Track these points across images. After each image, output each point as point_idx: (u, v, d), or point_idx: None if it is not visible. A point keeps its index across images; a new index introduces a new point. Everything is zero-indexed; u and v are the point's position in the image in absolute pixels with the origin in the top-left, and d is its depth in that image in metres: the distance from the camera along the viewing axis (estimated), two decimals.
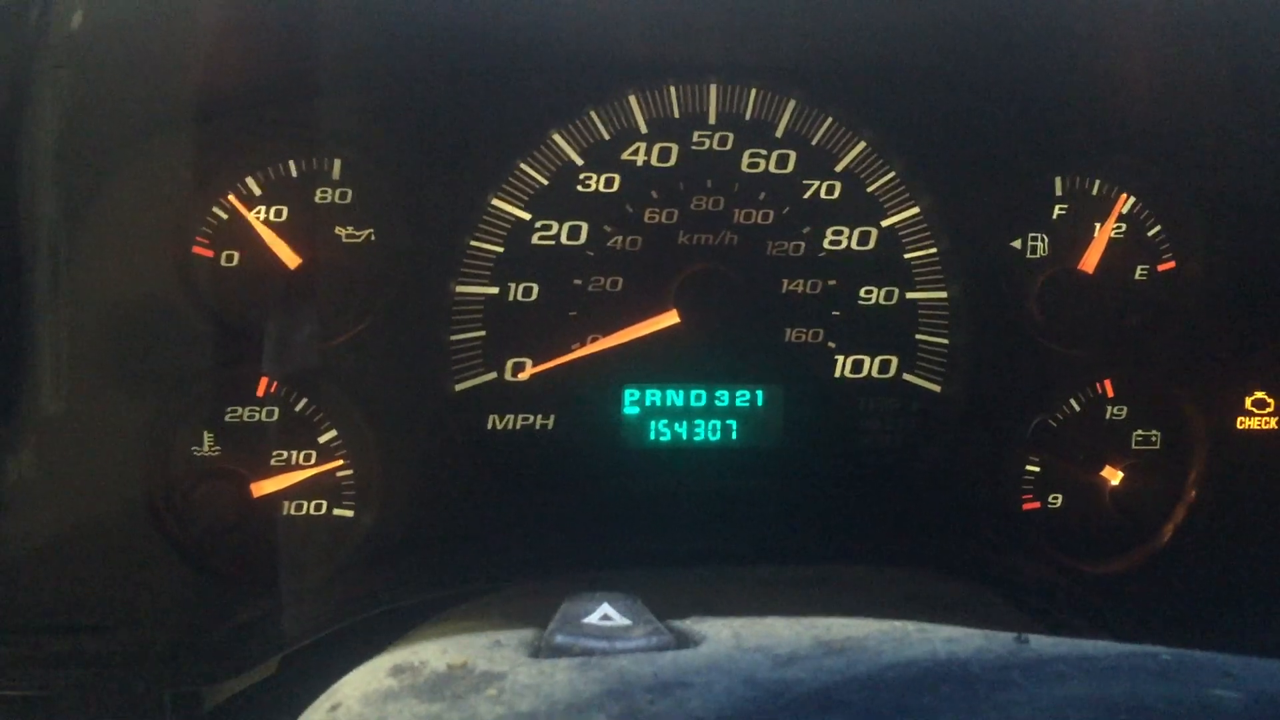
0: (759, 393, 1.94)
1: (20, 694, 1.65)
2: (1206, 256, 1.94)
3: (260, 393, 1.83)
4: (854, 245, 1.92)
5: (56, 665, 1.66)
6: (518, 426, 1.91)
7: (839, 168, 1.91)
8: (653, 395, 1.92)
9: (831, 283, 1.92)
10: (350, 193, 1.84)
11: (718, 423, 1.94)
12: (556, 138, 1.86)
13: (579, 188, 1.87)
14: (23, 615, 1.70)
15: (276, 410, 1.83)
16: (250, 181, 1.81)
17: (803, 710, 0.84)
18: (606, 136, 1.87)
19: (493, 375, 1.89)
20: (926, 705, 0.84)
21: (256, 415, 1.83)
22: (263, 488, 1.81)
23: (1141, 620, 1.88)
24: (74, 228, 1.71)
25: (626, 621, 1.07)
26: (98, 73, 1.62)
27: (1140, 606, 1.91)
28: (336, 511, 1.85)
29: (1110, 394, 1.97)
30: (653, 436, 1.93)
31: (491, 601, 1.46)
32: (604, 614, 1.08)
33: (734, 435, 1.94)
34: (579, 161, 1.87)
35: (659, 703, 0.86)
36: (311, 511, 1.85)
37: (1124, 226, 1.96)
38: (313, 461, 1.84)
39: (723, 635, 1.03)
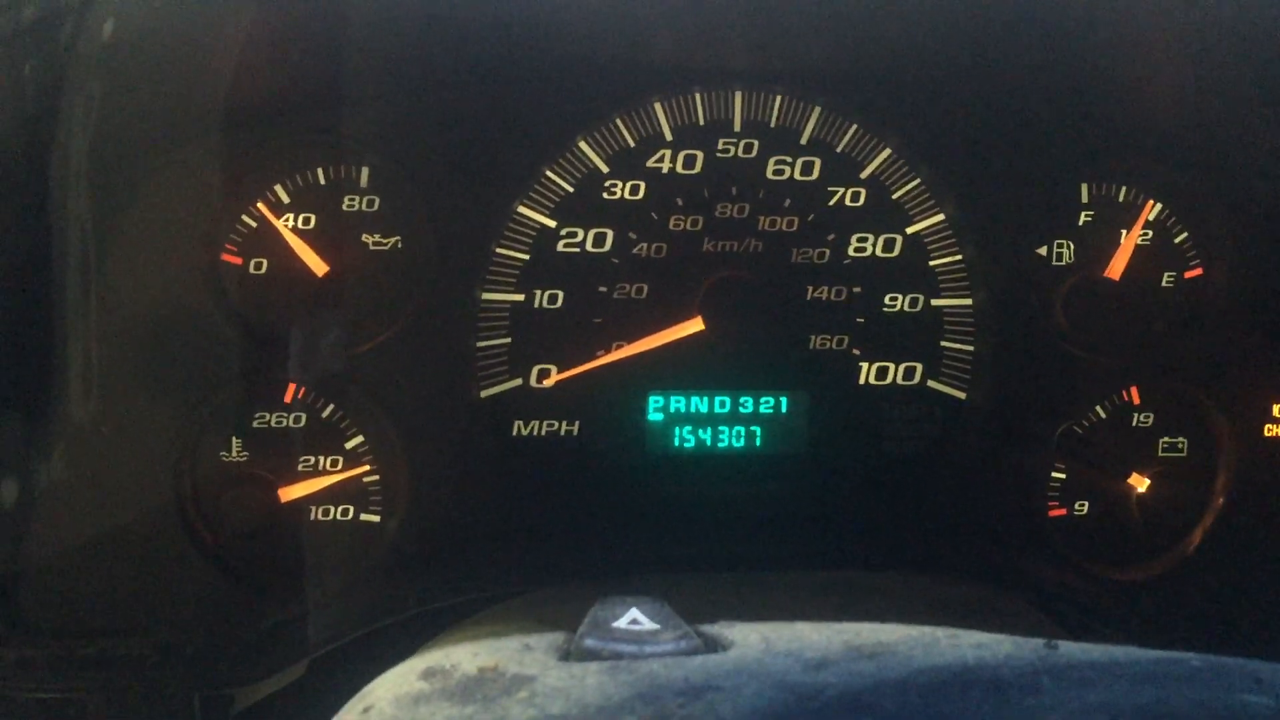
0: (783, 399, 1.94)
1: (51, 696, 1.66)
2: (1233, 263, 1.93)
3: (288, 399, 1.84)
4: (879, 252, 1.92)
5: (87, 668, 1.67)
6: (543, 433, 1.92)
7: (864, 174, 1.91)
8: (677, 402, 1.93)
9: (856, 290, 1.92)
10: (378, 200, 1.85)
11: (742, 429, 1.95)
12: (583, 145, 1.87)
13: (605, 195, 1.88)
14: (54, 618, 1.71)
15: (304, 416, 1.85)
16: (279, 189, 1.83)
17: (834, 714, 0.84)
18: (632, 144, 1.88)
19: (518, 382, 1.90)
20: (957, 710, 0.84)
21: (284, 421, 1.85)
22: (290, 493, 1.82)
23: (1168, 627, 1.87)
24: (105, 235, 1.73)
25: (655, 626, 1.07)
26: (128, 82, 1.64)
27: (1167, 613, 1.90)
28: (363, 516, 1.86)
29: (1136, 401, 1.96)
30: (677, 443, 1.94)
31: (520, 605, 1.47)
32: (633, 618, 1.08)
33: (758, 442, 1.95)
34: (605, 169, 1.88)
35: (690, 706, 0.86)
36: (338, 516, 1.86)
37: (1150, 233, 1.95)
38: (340, 467, 1.86)
39: (752, 640, 1.03)
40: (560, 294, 1.89)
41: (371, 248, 1.85)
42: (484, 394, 1.89)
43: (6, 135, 1.56)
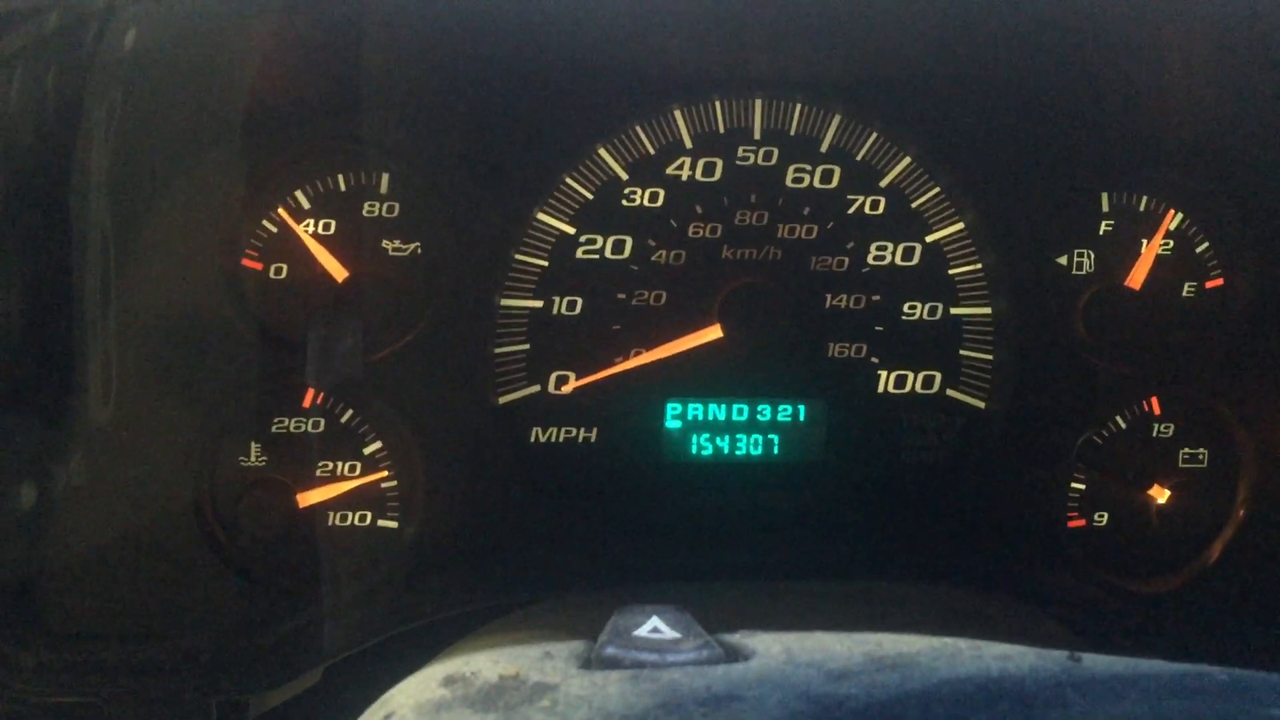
0: (801, 408, 1.93)
1: (69, 701, 1.67)
2: (1255, 273, 1.92)
3: (306, 404, 1.84)
4: (898, 261, 1.92)
5: (104, 673, 1.67)
6: (560, 439, 1.92)
7: (884, 183, 1.91)
8: (695, 409, 1.92)
9: (875, 298, 1.92)
10: (397, 206, 1.85)
11: (759, 437, 1.94)
12: (602, 152, 1.87)
13: (623, 202, 1.88)
14: (71, 623, 1.72)
15: (322, 421, 1.85)
16: (299, 195, 1.83)
17: None
18: (651, 151, 1.88)
19: (536, 388, 1.90)
20: None
21: (303, 426, 1.85)
22: (308, 498, 1.83)
23: (1189, 640, 1.86)
24: (125, 240, 1.73)
25: (676, 634, 1.07)
26: (150, 90, 1.64)
27: (1188, 626, 1.89)
28: (381, 522, 1.86)
29: (1157, 411, 1.95)
30: (694, 450, 1.93)
31: (539, 613, 1.47)
32: (654, 627, 1.08)
33: (776, 450, 1.94)
34: (624, 176, 1.88)
35: (713, 716, 0.86)
36: (356, 522, 1.86)
37: (1171, 243, 1.94)
38: (358, 472, 1.86)
39: (773, 649, 1.03)
40: (579, 301, 1.89)
41: (391, 254, 1.85)
42: (502, 400, 1.89)
43: (29, 142, 1.57)
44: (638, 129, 1.87)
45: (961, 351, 1.94)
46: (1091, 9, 1.65)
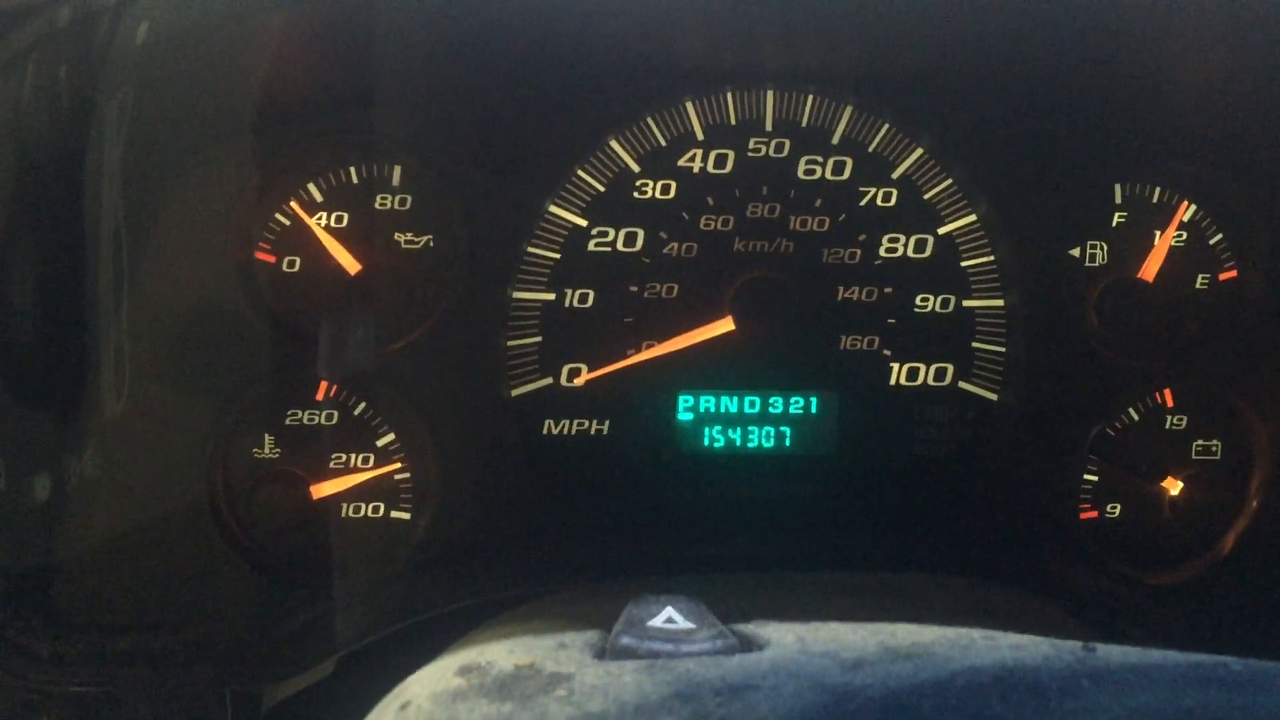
0: (813, 400, 1.93)
1: (85, 691, 1.68)
2: (1268, 265, 1.92)
3: (320, 396, 1.85)
4: (910, 253, 1.91)
5: (119, 663, 1.68)
6: (573, 431, 1.92)
7: (896, 174, 1.90)
8: (707, 401, 1.93)
9: (887, 290, 1.91)
10: (410, 199, 1.85)
11: (771, 429, 1.94)
12: (614, 145, 1.87)
13: (635, 194, 1.88)
14: (87, 613, 1.73)
15: (335, 414, 1.86)
16: (312, 188, 1.84)
17: (874, 716, 0.84)
18: (663, 143, 1.88)
19: (549, 381, 1.90)
20: (997, 713, 0.84)
21: (316, 418, 1.85)
22: (322, 490, 1.83)
23: (1202, 631, 1.86)
24: (138, 234, 1.74)
25: (690, 625, 1.07)
26: (163, 84, 1.65)
27: (1200, 617, 1.89)
28: (394, 514, 1.87)
29: (1170, 403, 1.95)
30: (707, 442, 1.93)
31: (553, 603, 1.47)
32: (668, 617, 1.08)
33: (788, 442, 1.94)
34: (636, 168, 1.88)
35: (728, 706, 0.86)
36: (369, 514, 1.87)
37: (1185, 234, 1.94)
38: (371, 464, 1.86)
39: (787, 640, 1.03)
40: (591, 293, 1.89)
41: (403, 246, 1.86)
42: (515, 393, 1.89)
43: (42, 136, 1.58)
44: (649, 121, 1.87)
45: (974, 344, 1.94)
46: (1104, 1, 1.64)
